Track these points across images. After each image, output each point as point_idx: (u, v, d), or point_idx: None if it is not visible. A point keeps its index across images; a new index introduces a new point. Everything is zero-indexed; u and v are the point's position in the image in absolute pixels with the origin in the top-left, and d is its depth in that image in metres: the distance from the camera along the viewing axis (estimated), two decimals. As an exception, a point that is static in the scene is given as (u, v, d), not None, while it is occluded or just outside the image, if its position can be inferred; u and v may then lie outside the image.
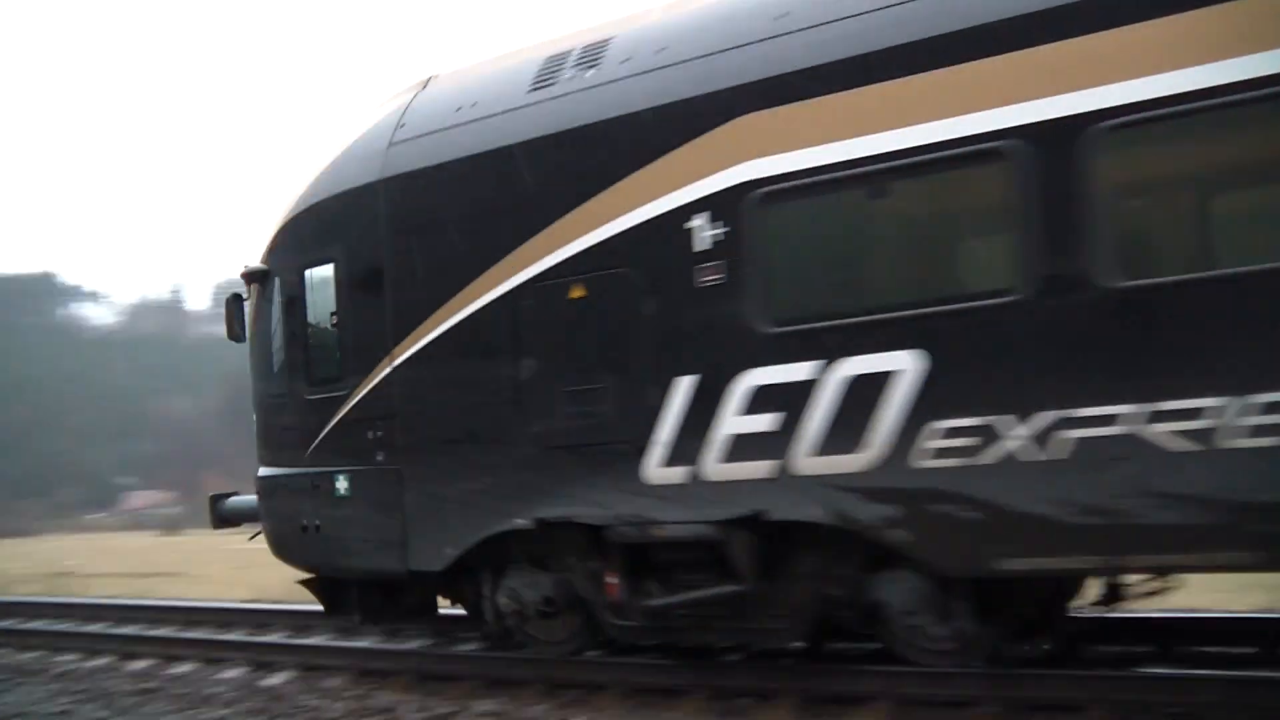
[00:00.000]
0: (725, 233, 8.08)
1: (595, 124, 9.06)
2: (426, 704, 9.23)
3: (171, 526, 53.04)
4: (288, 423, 10.67)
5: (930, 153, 7.84)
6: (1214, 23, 7.56)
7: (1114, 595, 9.08)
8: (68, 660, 12.94)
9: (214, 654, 12.04)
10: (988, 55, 7.90)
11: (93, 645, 13.52)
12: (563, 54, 9.29)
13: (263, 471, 10.94)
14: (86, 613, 16.55)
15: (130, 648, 13.06)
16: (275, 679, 10.76)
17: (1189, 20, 7.51)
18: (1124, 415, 6.88)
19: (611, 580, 8.45)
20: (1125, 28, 7.62)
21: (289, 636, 13.26)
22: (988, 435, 7.26)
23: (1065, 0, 7.68)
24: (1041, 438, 7.11)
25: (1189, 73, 7.34)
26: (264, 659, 11.54)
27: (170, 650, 12.61)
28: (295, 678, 10.79)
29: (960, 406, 7.33)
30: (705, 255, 8.23)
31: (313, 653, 11.60)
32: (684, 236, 8.30)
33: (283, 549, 10.90)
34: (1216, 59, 7.42)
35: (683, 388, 7.96)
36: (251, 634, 13.52)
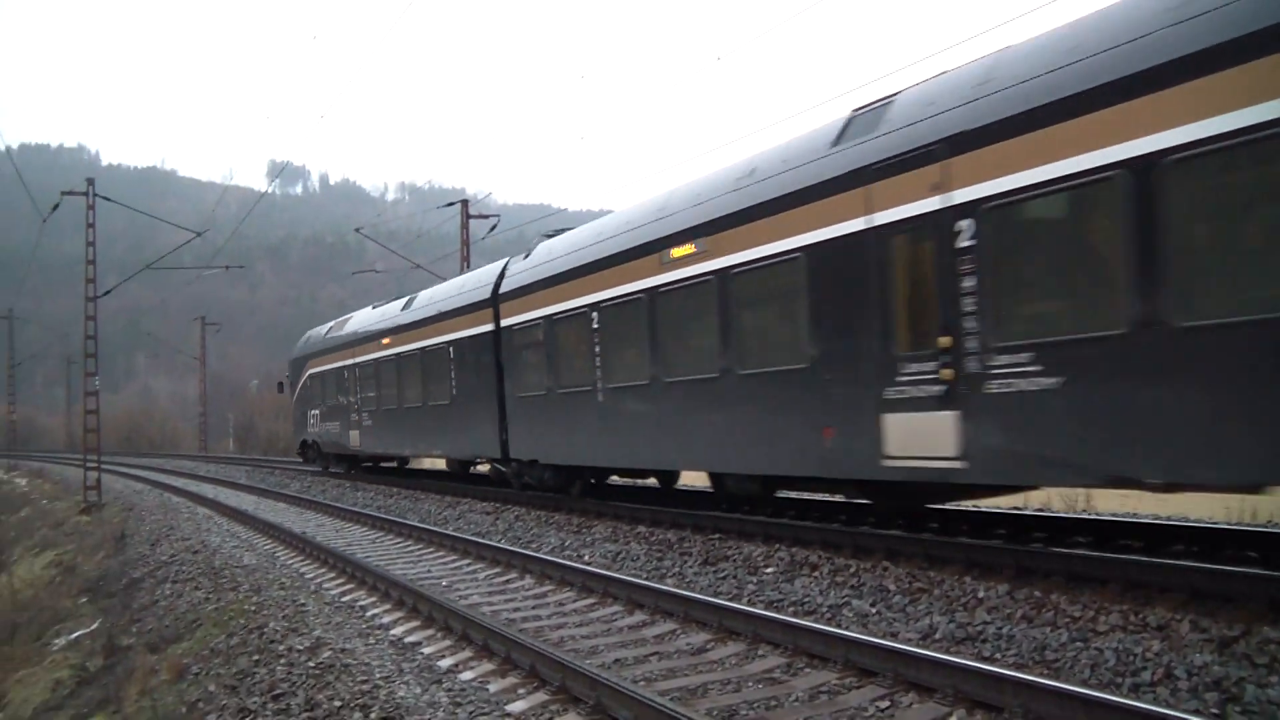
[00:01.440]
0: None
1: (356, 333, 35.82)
2: (1202, 624, 9.00)
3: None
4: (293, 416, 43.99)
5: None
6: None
7: None
8: (842, 557, 13.52)
9: (977, 558, 12.11)
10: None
11: (862, 543, 13.88)
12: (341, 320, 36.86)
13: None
14: (855, 512, 16.68)
15: (898, 547, 13.31)
16: (1039, 589, 10.66)
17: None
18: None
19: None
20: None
21: (1044, 545, 12.71)
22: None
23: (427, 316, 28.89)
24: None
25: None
26: (1029, 564, 11.53)
27: (934, 552, 12.75)
28: (1056, 585, 10.73)
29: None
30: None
31: (1079, 561, 11.22)
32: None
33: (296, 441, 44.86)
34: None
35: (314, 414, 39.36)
36: (1012, 543, 12.92)
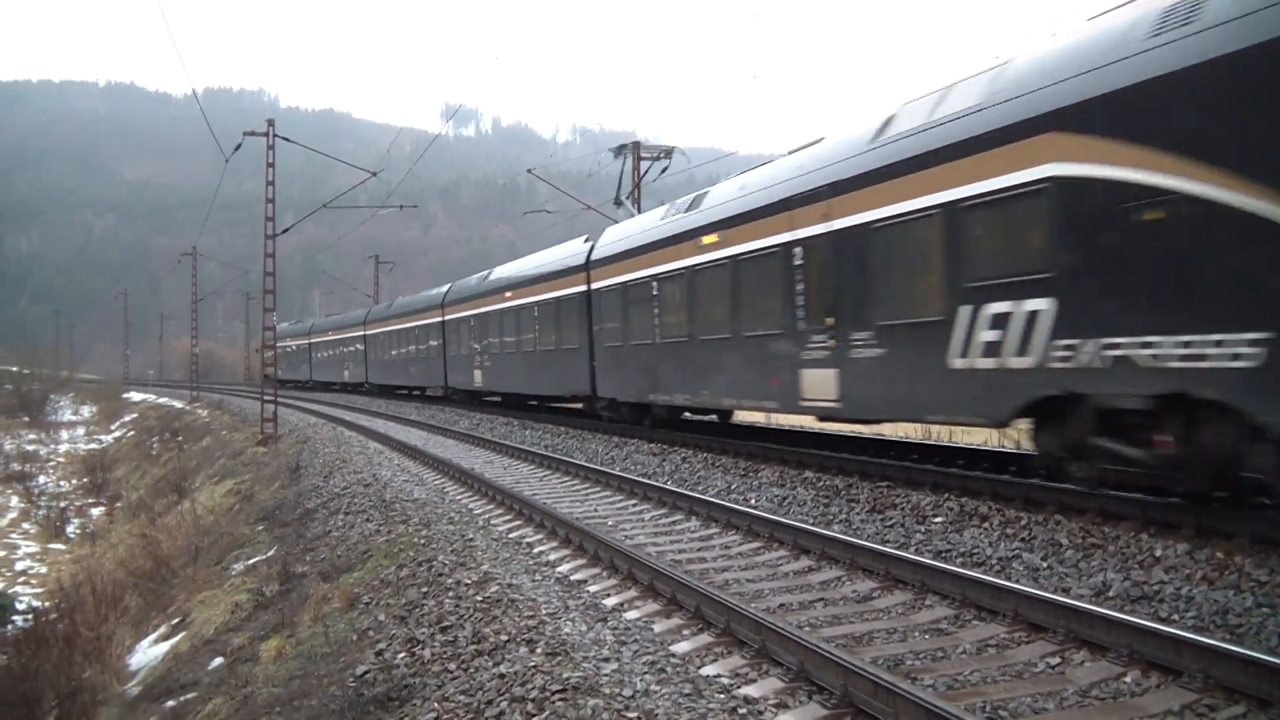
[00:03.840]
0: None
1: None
2: None
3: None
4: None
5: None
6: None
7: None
8: (1013, 509, 13.16)
9: (1154, 515, 11.59)
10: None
11: (1033, 496, 13.41)
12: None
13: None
14: (1025, 464, 15.76)
15: (1070, 500, 12.77)
16: (1219, 549, 10.26)
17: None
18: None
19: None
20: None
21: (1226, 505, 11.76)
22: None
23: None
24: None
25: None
26: (1210, 525, 10.98)
27: (1110, 508, 12.19)
28: (1240, 547, 10.18)
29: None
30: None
31: (1265, 523, 10.53)
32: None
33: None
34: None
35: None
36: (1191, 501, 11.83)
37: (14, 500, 54.66)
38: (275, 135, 38.36)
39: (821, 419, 20.11)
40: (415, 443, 28.70)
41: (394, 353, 55.89)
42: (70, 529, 46.64)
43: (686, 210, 23.05)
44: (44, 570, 38.09)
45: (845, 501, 15.17)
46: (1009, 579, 10.13)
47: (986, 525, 12.65)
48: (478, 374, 41.10)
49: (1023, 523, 12.43)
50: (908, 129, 15.31)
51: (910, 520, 13.47)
